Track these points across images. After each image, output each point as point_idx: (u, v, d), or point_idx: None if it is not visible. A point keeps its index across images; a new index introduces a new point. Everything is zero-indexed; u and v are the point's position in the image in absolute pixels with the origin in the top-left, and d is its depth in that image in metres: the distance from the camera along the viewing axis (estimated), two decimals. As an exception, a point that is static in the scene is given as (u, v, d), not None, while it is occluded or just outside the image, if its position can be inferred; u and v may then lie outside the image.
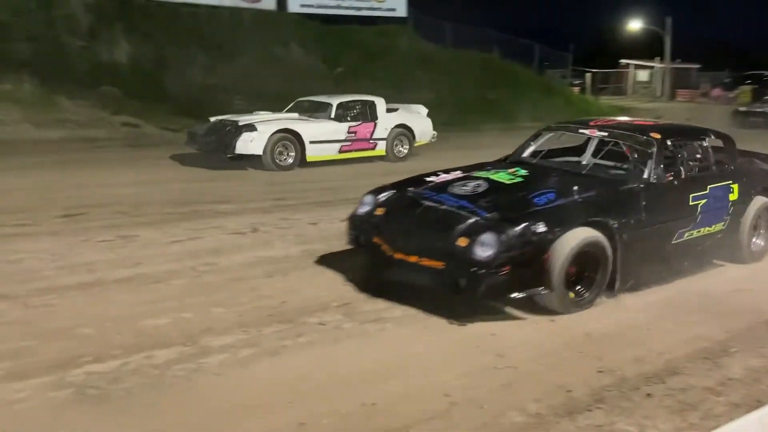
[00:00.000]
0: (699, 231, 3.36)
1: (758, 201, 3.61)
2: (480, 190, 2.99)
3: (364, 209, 3.12)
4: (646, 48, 26.71)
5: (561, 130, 3.88)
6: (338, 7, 13.78)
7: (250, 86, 10.41)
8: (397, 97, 13.37)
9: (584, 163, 3.60)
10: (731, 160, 3.69)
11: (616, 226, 2.83)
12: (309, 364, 2.09)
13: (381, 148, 7.71)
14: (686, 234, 3.30)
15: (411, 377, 2.01)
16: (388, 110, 7.89)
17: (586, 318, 2.67)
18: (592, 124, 3.67)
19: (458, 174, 3.27)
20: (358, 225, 3.11)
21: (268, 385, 1.92)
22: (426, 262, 2.59)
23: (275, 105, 7.92)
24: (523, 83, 16.43)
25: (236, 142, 6.43)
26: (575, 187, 2.99)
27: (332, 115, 7.29)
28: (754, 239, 3.66)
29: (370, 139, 7.61)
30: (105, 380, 1.89)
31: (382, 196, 3.14)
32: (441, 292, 2.63)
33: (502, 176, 3.19)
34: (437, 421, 1.71)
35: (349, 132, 7.37)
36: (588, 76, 25.46)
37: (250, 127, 6.64)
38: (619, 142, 3.48)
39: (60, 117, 8.29)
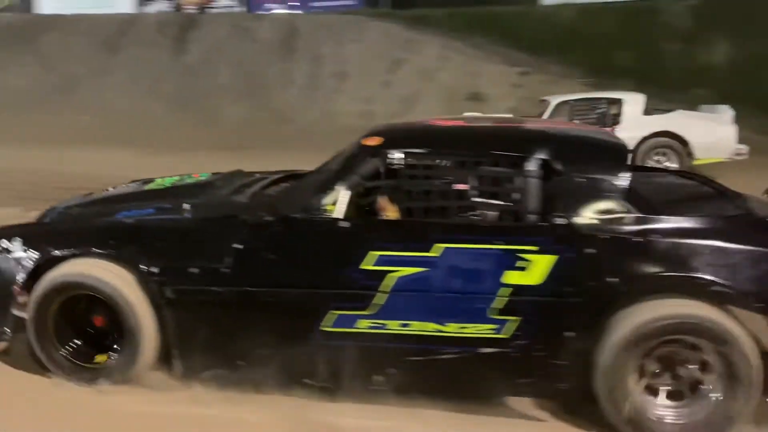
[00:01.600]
0: (406, 325, 1.71)
1: (640, 313, 1.56)
2: (112, 193, 2.33)
3: None
4: None
5: None
6: None
7: None
8: None
9: None
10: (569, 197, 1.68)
11: (154, 272, 1.75)
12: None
13: None
14: (360, 322, 1.70)
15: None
16: (654, 111, 5.93)
17: None
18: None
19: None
20: None
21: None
22: None
23: None
24: None
25: None
26: (186, 206, 1.91)
27: (544, 117, 5.87)
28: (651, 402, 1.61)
29: None
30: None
31: None
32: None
33: (177, 179, 2.37)
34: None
35: None
36: None
37: None
38: None
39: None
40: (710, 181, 2.15)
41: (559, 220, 1.64)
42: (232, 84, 10.36)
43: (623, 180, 1.71)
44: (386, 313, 1.71)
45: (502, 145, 1.84)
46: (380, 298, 1.70)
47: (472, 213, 1.82)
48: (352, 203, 1.79)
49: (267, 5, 11.40)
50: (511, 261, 1.63)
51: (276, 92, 10.26)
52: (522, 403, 1.69)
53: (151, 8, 11.98)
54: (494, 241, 1.67)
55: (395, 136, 1.91)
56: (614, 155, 1.85)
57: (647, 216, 1.68)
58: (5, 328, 1.83)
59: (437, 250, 1.68)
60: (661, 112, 5.99)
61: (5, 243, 1.89)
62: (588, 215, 1.64)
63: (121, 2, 11.85)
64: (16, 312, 1.82)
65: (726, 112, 5.92)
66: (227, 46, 10.67)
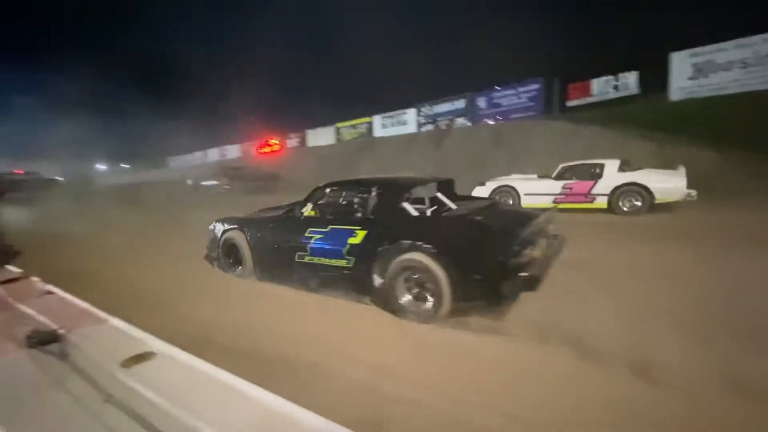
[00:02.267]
0: (319, 259, 3.74)
1: (396, 261, 3.26)
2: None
3: None
4: None
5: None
6: None
7: None
8: None
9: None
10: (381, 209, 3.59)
11: (247, 232, 4.39)
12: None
13: (601, 202, 8.31)
14: (305, 257, 3.85)
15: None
16: (628, 169, 8.26)
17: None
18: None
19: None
20: None
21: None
22: None
23: None
24: None
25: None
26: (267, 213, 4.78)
27: (553, 175, 9.07)
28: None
29: (588, 194, 8.45)
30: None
31: None
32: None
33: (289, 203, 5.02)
34: None
35: (564, 188, 8.74)
36: None
37: (482, 183, 9.73)
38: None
39: None
40: (490, 200, 4.50)
41: (371, 216, 3.53)
42: (466, 164, 17.18)
43: (405, 199, 3.56)
44: (312, 254, 3.74)
45: (362, 185, 3.86)
46: (309, 248, 3.74)
47: (348, 213, 3.77)
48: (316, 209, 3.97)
49: (484, 120, 17.11)
50: (352, 233, 3.50)
51: (490, 167, 16.52)
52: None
53: (424, 129, 18.78)
54: (347, 224, 3.59)
55: (328, 182, 4.04)
56: (401, 188, 3.63)
57: (402, 215, 3.45)
58: (214, 256, 4.74)
59: (329, 228, 3.65)
60: (633, 170, 8.13)
61: (217, 224, 4.73)
62: (383, 214, 3.45)
63: (410, 127, 19.57)
64: (212, 254, 4.80)
65: (681, 170, 7.92)
66: (462, 144, 16.88)
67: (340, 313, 3.44)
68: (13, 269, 3.68)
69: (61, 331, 2.06)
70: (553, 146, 14.24)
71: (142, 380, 1.48)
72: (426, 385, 2.33)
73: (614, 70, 14.41)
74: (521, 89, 16.39)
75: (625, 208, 8.05)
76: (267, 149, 27.90)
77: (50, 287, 2.90)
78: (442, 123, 18.47)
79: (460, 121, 18.12)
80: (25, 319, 2.32)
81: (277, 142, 27.77)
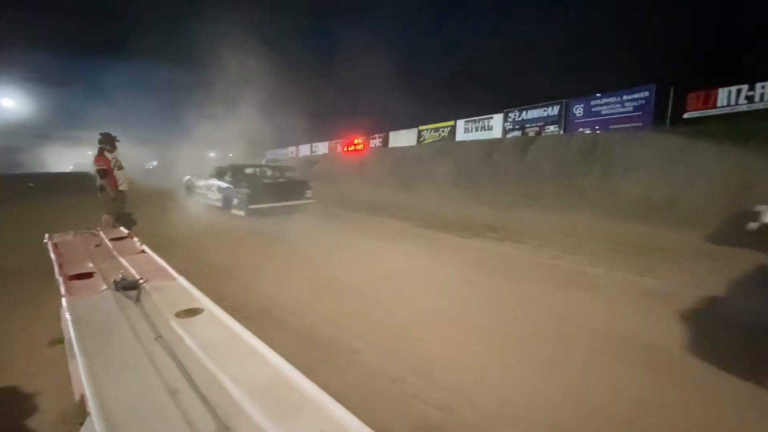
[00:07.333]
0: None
1: None
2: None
3: None
4: None
5: None
6: None
7: None
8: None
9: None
10: None
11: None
12: None
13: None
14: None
15: None
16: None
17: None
18: None
19: None
20: None
21: None
22: None
23: None
24: None
25: None
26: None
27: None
28: None
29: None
30: None
31: None
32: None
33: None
34: None
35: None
36: None
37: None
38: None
39: None
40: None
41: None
42: (551, 174, 15.80)
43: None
44: None
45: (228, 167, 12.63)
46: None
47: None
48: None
49: (579, 129, 15.65)
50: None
51: (579, 178, 14.92)
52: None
53: (510, 135, 18.05)
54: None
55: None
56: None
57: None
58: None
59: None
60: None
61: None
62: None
63: (495, 132, 19.07)
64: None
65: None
66: (550, 153, 16.24)
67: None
68: (123, 230, 4.21)
69: (141, 281, 2.29)
70: (662, 161, 12.74)
71: (187, 329, 1.71)
72: None
73: (749, 78, 11.90)
74: (626, 97, 14.35)
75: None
76: (352, 148, 28.42)
77: (144, 247, 3.24)
78: (531, 130, 17.34)
79: (551, 128, 16.80)
80: (120, 268, 2.66)
81: (360, 141, 28.23)
